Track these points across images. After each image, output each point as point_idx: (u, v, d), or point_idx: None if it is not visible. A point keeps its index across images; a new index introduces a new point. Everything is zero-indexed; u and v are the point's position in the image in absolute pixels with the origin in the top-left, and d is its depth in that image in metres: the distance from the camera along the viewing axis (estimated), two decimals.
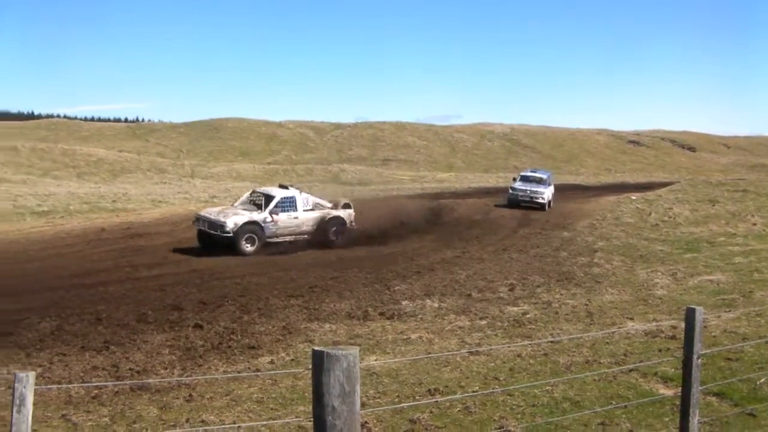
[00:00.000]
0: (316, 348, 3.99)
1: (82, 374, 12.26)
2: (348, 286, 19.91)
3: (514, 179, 46.94)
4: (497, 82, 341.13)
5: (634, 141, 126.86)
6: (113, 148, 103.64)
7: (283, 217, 28.82)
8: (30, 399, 5.46)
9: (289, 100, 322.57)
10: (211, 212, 29.55)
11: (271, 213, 28.55)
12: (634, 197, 42.00)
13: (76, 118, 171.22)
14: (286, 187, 31.22)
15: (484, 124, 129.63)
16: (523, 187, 43.74)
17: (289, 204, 29.35)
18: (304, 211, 29.75)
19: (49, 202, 41.57)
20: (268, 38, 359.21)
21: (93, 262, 24.50)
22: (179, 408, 10.18)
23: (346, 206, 31.47)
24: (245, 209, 29.36)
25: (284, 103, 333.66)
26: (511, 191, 44.34)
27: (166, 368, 12.47)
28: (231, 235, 27.23)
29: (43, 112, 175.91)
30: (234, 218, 27.82)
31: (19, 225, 33.51)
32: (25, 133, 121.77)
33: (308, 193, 32.35)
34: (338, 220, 30.37)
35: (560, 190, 52.50)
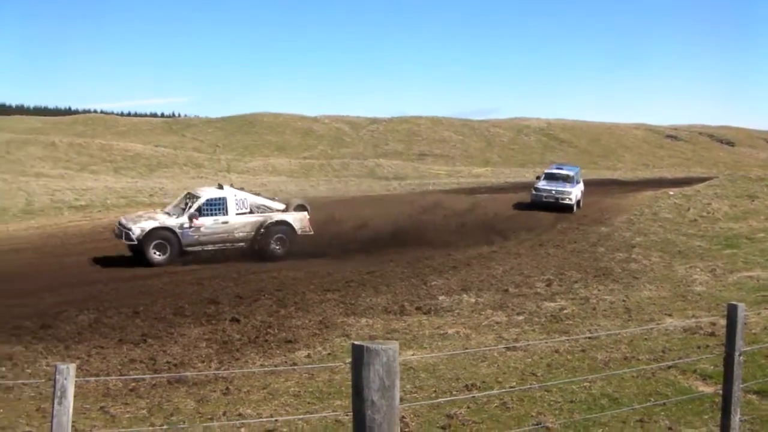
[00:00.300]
0: (356, 342, 3.97)
1: (119, 367, 12.35)
2: (384, 280, 19.86)
3: (538, 177, 42.45)
4: (533, 77, 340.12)
5: (672, 136, 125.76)
6: (150, 143, 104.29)
7: (207, 222, 25.23)
8: (71, 391, 5.49)
9: (324, 94, 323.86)
10: (128, 217, 26.30)
11: (190, 217, 25.08)
12: (671, 192, 41.19)
13: (112, 113, 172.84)
14: (222, 187, 27.21)
15: (520, 119, 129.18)
16: (548, 187, 39.13)
17: (217, 206, 25.72)
18: (237, 214, 25.99)
19: (86, 196, 41.90)
20: (304, 33, 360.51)
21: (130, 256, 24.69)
22: (216, 401, 10.23)
23: (301, 208, 27.69)
24: (171, 212, 26.10)
25: (320, 98, 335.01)
26: (534, 192, 39.65)
27: (203, 361, 12.53)
28: (135, 242, 24.28)
29: (80, 107, 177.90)
30: (143, 224, 24.81)
31: (57, 219, 33.86)
32: (62, 128, 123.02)
33: (255, 193, 29.04)
34: (283, 225, 26.40)
35: (597, 185, 52.04)
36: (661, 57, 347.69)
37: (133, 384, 11.15)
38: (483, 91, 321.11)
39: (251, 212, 26.45)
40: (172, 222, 25.09)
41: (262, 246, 25.75)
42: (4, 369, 12.31)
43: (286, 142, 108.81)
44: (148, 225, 24.72)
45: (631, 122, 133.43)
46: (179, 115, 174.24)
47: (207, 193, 26.60)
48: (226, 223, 25.53)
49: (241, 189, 28.74)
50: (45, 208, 36.35)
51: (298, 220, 26.61)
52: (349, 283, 19.43)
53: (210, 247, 25.33)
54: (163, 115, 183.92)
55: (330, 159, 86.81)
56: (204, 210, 25.40)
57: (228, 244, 25.65)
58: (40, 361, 12.82)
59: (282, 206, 27.59)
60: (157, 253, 24.62)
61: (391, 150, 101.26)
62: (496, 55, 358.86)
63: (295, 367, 11.62)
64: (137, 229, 24.35)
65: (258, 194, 29.26)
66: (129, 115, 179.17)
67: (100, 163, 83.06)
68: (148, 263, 24.13)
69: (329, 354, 12.62)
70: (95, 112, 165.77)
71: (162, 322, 15.38)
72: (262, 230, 25.85)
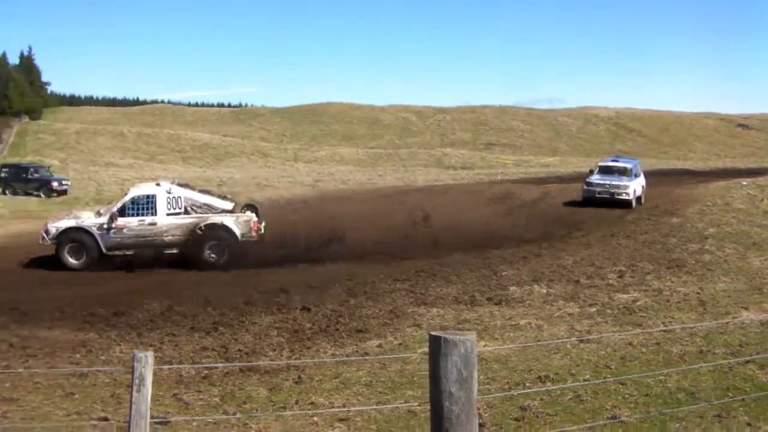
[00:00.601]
0: (433, 333, 3.96)
1: (192, 354, 12.47)
2: (454, 270, 19.73)
3: (591, 171, 38.80)
4: (601, 65, 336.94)
5: (744, 125, 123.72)
6: (217, 133, 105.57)
7: (131, 223, 22.57)
8: (149, 379, 5.56)
9: (391, 84, 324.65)
10: (58, 216, 25.15)
11: (111, 217, 22.60)
12: (744, 182, 40.12)
13: (179, 103, 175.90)
14: (159, 184, 24.03)
15: (588, 108, 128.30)
16: (602, 181, 35.62)
17: (144, 205, 22.77)
18: (168, 215, 22.84)
19: None
20: (370, 23, 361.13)
21: None
22: (288, 390, 10.25)
23: (248, 209, 24.45)
24: (102, 212, 23.76)
25: (386, 88, 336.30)
26: (586, 187, 36.04)
27: (274, 350, 12.58)
28: (49, 243, 22.65)
29: (148, 97, 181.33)
30: (59, 223, 23.00)
31: None
32: (131, 119, 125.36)
33: (203, 191, 25.85)
34: (220, 229, 22.83)
35: (667, 175, 51.41)
36: (732, 43, 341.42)
37: (206, 371, 11.24)
38: (549, 79, 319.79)
39: (185, 212, 23.29)
40: (90, 222, 22.85)
41: (194, 253, 22.60)
42: (78, 355, 12.54)
43: (353, 132, 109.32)
44: (63, 224, 22.83)
45: (702, 111, 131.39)
46: (246, 105, 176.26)
47: (134, 190, 24.08)
48: (153, 224, 22.73)
49: (186, 185, 25.57)
50: (115, 198, 36.82)
51: (240, 223, 23.05)
52: (419, 273, 19.36)
53: (132, 251, 22.80)
54: (229, 105, 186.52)
55: (397, 148, 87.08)
56: (128, 209, 22.83)
57: (158, 250, 22.78)
58: (113, 347, 13.03)
59: (230, 206, 24.35)
60: (72, 256, 22.56)
61: (458, 139, 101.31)
62: (562, 43, 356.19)
63: (368, 357, 11.60)
64: (52, 229, 22.69)
65: (207, 192, 26.24)
66: (196, 105, 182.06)
67: (169, 153, 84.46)
68: (66, 268, 22.35)
69: (400, 344, 12.57)
70: (163, 102, 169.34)
71: (233, 311, 15.52)
72: (198, 233, 22.73)
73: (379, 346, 12.52)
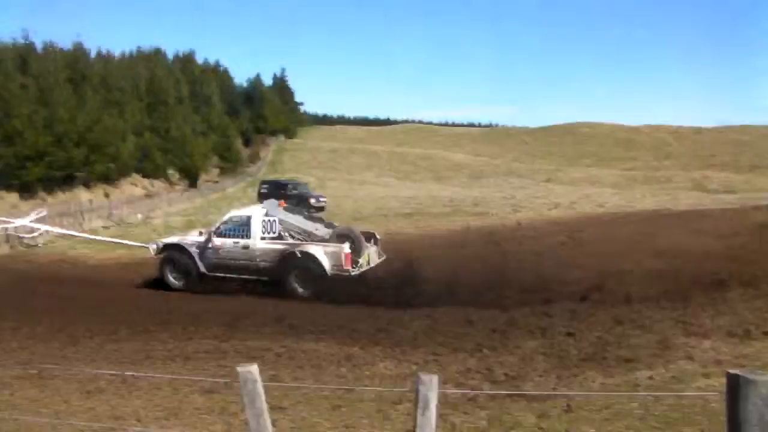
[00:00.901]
0: (731, 371, 3.74)
1: (456, 375, 12.45)
2: (724, 300, 18.72)
3: None
4: None
5: None
6: (470, 153, 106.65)
7: (227, 244, 22.16)
8: (434, 402, 5.64)
9: (645, 103, 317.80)
10: (171, 234, 25.36)
11: (209, 236, 22.41)
12: None
13: (430, 123, 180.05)
14: (264, 207, 23.64)
15: None
16: None
17: (239, 227, 22.22)
18: (262, 239, 22.09)
19: (411, 204, 43.19)
20: (620, 42, 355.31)
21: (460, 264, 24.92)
22: (557, 418, 10.03)
23: (343, 239, 22.31)
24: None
25: (640, 107, 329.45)
26: None
27: (540, 375, 12.36)
28: (154, 257, 23.03)
29: (399, 117, 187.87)
30: (165, 239, 23.54)
31: (385, 226, 34.99)
32: (383, 138, 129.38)
33: (308, 216, 24.84)
34: (308, 259, 21.22)
35: None
36: None
37: (471, 393, 11.16)
38: None
39: (280, 237, 22.60)
40: (190, 240, 22.91)
41: (282, 281, 21.44)
42: (344, 369, 12.80)
43: (607, 153, 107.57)
44: (167, 241, 23.28)
45: None
46: (496, 125, 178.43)
47: (234, 211, 23.74)
48: (246, 248, 22.01)
49: (293, 209, 24.87)
50: (372, 215, 37.77)
51: (329, 254, 21.28)
52: (688, 302, 18.50)
53: (228, 275, 22.16)
54: (480, 125, 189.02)
55: (654, 171, 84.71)
56: (225, 230, 22.50)
57: (252, 275, 21.91)
58: (377, 363, 13.22)
59: (327, 234, 22.91)
60: (173, 275, 22.65)
61: (719, 161, 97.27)
62: None
63: (661, 394, 11.10)
64: (159, 244, 23.21)
65: (311, 216, 25.51)
66: (446, 124, 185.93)
67: (422, 172, 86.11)
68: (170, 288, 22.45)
69: (673, 377, 12.00)
70: (413, 122, 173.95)
71: (495, 332, 15.42)
72: (286, 261, 21.52)
73: (650, 377, 12.02)
